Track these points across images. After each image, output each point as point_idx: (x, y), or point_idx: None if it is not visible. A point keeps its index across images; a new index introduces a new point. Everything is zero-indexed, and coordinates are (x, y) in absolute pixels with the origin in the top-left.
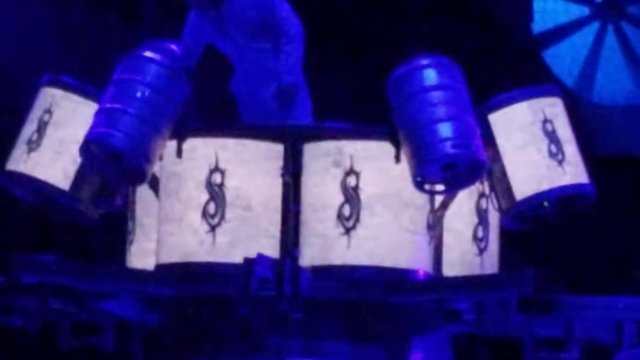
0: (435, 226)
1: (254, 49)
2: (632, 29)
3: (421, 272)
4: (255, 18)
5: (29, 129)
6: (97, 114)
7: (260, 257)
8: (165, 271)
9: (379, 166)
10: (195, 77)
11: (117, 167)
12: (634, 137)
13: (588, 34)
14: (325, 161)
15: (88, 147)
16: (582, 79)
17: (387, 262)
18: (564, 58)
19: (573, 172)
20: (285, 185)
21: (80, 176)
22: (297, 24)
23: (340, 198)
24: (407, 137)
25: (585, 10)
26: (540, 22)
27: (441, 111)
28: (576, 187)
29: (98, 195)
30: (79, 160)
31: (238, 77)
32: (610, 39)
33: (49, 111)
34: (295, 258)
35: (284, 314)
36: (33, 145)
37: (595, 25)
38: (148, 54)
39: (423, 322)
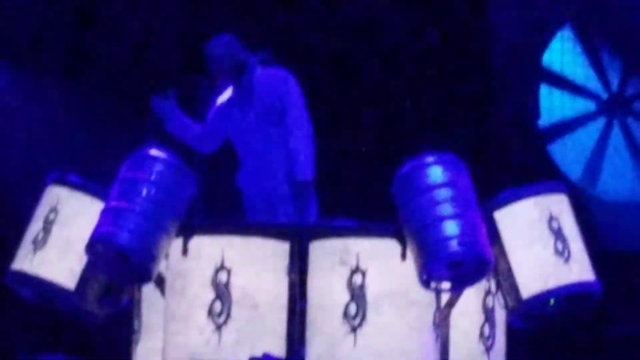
0: (441, 324)
1: (265, 137)
2: (638, 125)
3: None
4: (271, 104)
5: (34, 228)
6: (103, 212)
7: (266, 357)
8: None
9: (385, 264)
10: (206, 166)
11: (123, 266)
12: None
13: (594, 129)
14: (331, 259)
15: (94, 246)
16: (586, 174)
17: None
18: (569, 152)
19: (579, 269)
20: (292, 283)
21: (87, 275)
22: (308, 121)
23: (346, 296)
24: (413, 235)
25: (591, 106)
26: (547, 117)
27: (447, 209)
28: (583, 285)
29: (104, 295)
30: (85, 259)
31: (245, 170)
32: (616, 134)
33: (54, 210)
34: (301, 357)
35: None
36: (39, 244)
37: (601, 121)
38: (153, 152)
39: None
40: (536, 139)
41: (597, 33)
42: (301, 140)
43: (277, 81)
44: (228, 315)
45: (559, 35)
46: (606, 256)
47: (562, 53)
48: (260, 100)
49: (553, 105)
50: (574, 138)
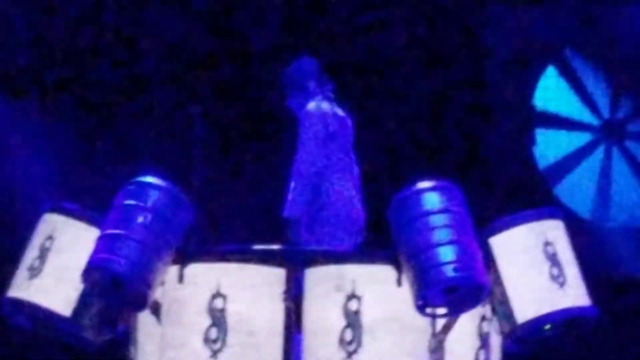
0: (437, 350)
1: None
2: (637, 145)
3: None
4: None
5: (30, 255)
6: (99, 239)
7: None
8: None
9: (381, 290)
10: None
11: (119, 293)
12: None
13: (595, 160)
14: (327, 286)
15: (90, 273)
16: (597, 208)
17: None
18: (575, 190)
19: (575, 294)
20: (287, 310)
21: (82, 302)
22: (308, 166)
23: (342, 322)
24: (409, 261)
25: (587, 136)
26: (544, 157)
27: (442, 234)
28: (578, 310)
29: (100, 321)
30: (81, 286)
31: None
32: (618, 160)
33: (50, 237)
34: None
35: None
36: (35, 271)
37: (600, 150)
38: (150, 179)
39: None
40: (541, 182)
41: (579, 60)
42: (294, 179)
43: (301, 115)
44: (224, 342)
45: (544, 75)
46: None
47: (549, 91)
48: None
49: (549, 144)
50: (577, 174)
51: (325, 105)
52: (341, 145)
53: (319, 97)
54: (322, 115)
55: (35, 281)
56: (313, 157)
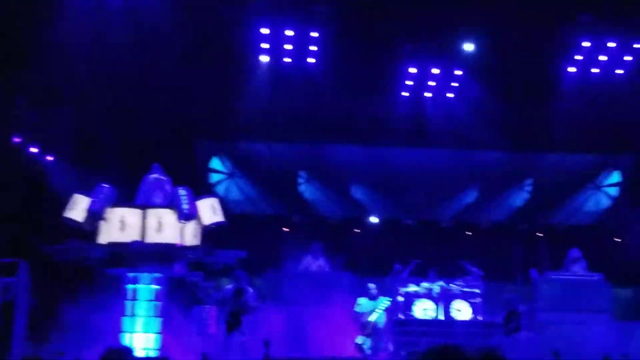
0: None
1: None
2: None
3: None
4: None
5: (68, 206)
6: (91, 202)
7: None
8: None
9: (172, 216)
10: None
11: (95, 216)
12: None
13: None
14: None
15: (89, 211)
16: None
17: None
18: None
19: (220, 218)
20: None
21: (88, 217)
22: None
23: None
24: (177, 211)
25: None
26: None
27: (186, 205)
28: (223, 222)
29: (90, 222)
30: (85, 213)
31: None
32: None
33: (73, 201)
34: None
35: None
36: (69, 209)
37: None
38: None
39: None
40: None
41: None
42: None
43: None
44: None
45: None
46: None
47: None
48: None
49: None
50: None
51: None
52: None
53: None
54: None
55: (70, 212)
56: None
